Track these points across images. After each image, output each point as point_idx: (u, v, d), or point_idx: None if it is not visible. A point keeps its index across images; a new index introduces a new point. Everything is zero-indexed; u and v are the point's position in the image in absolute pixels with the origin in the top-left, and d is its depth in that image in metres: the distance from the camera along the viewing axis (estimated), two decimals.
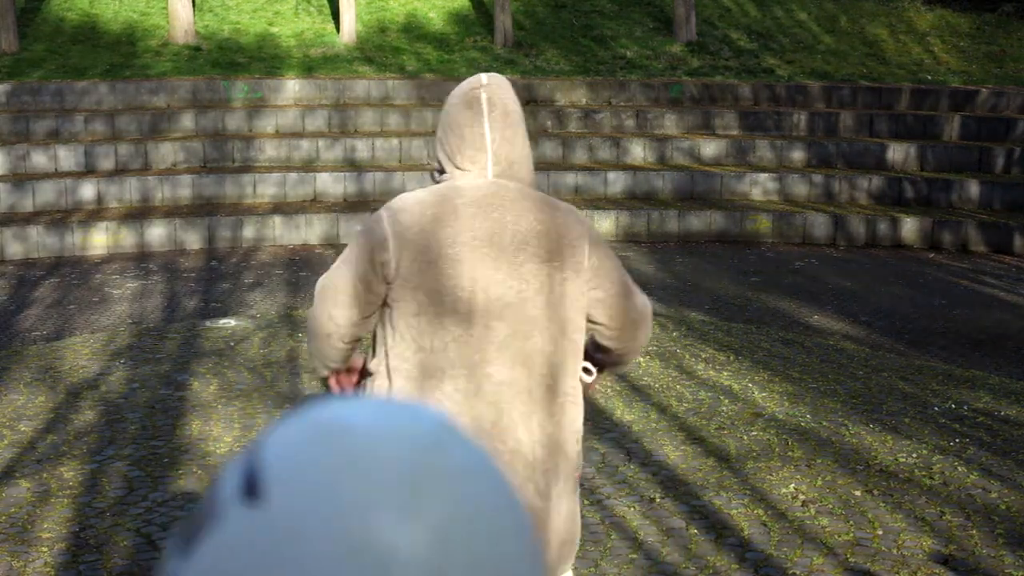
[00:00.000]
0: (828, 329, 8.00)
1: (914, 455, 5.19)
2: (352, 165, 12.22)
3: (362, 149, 12.29)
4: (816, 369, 6.60)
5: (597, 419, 5.60)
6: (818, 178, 12.23)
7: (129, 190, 11.52)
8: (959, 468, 5.04)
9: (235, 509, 0.52)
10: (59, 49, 14.04)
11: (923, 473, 4.98)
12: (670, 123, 13.19)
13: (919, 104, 13.65)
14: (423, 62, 14.43)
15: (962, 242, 11.25)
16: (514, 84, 13.09)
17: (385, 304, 2.42)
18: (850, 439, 5.39)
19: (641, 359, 6.68)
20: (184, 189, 11.63)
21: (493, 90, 2.38)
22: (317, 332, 2.50)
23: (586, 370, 2.52)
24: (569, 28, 15.77)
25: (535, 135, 12.28)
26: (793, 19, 16.35)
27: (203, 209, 11.37)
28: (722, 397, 6.02)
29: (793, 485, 4.82)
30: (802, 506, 4.61)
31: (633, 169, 12.31)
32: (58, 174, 11.67)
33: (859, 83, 14.10)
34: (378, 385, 2.43)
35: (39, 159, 11.75)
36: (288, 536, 0.51)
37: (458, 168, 2.38)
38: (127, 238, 10.70)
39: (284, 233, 11.03)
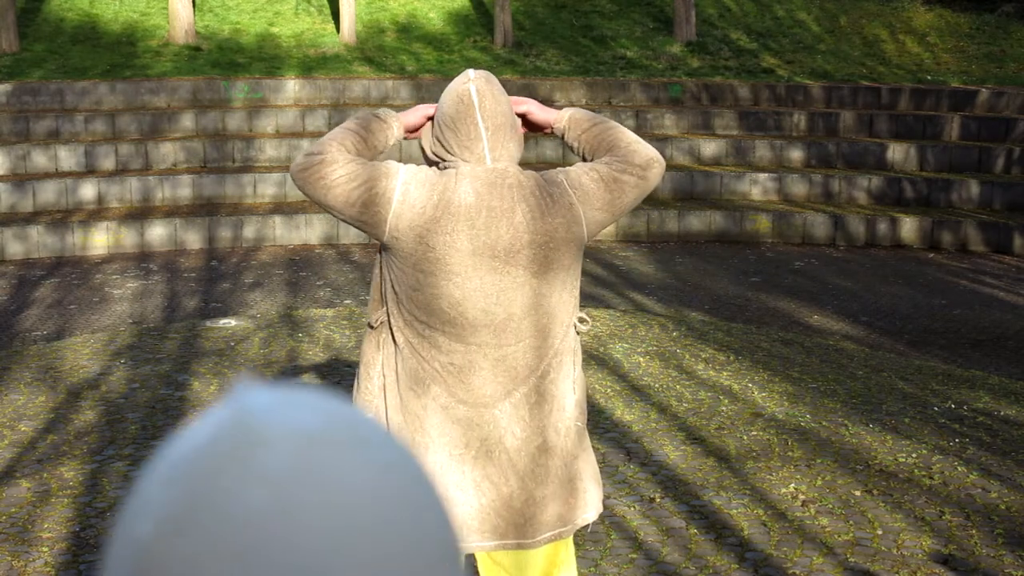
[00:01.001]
0: (828, 329, 8.00)
1: (914, 455, 5.19)
2: None
3: None
4: (816, 369, 6.60)
5: (597, 419, 5.60)
6: (818, 178, 12.23)
7: (129, 190, 11.52)
8: (959, 468, 5.04)
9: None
10: (59, 49, 14.05)
11: (923, 473, 4.98)
12: (670, 123, 13.20)
13: (919, 104, 13.65)
14: (423, 62, 14.43)
15: (962, 242, 11.26)
16: (514, 84, 13.10)
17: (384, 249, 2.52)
18: (850, 439, 5.40)
19: (641, 359, 6.69)
20: (184, 189, 11.63)
21: (481, 83, 2.50)
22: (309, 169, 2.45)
23: (581, 319, 2.60)
24: (569, 28, 15.77)
25: (535, 135, 12.27)
26: (793, 19, 16.35)
27: (203, 209, 11.37)
28: (722, 397, 6.03)
29: (793, 485, 4.83)
30: (802, 506, 4.62)
31: None
32: (58, 174, 11.68)
33: (859, 83, 14.10)
34: (384, 339, 2.55)
35: (39, 159, 11.75)
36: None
37: (461, 160, 2.48)
38: (127, 238, 10.70)
39: (284, 233, 11.03)
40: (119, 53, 14.03)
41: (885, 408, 5.87)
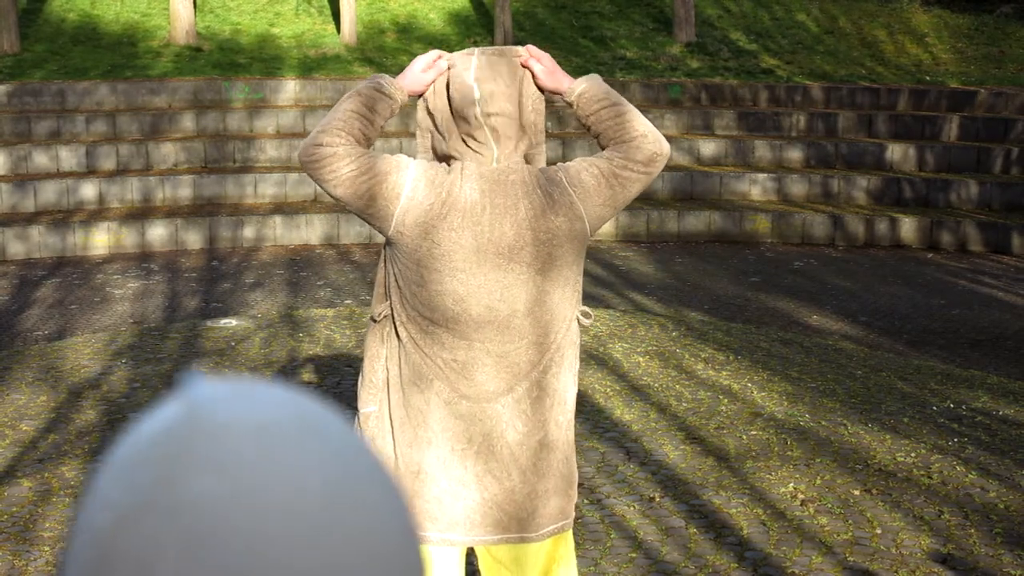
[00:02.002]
0: (827, 329, 8.02)
1: (913, 454, 5.21)
2: None
3: None
4: (815, 369, 6.62)
5: (597, 419, 5.62)
6: (817, 178, 12.25)
7: (130, 190, 11.54)
8: (958, 467, 5.06)
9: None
10: (60, 50, 14.06)
11: (922, 472, 5.00)
12: (669, 123, 13.21)
13: (918, 104, 13.67)
14: None
15: (961, 242, 11.27)
16: None
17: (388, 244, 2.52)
18: (849, 438, 5.41)
19: (640, 359, 6.70)
20: (185, 189, 11.65)
21: (484, 73, 2.49)
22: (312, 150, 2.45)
23: (584, 313, 2.61)
24: (569, 28, 15.79)
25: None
26: (793, 19, 16.37)
27: (204, 209, 11.39)
28: (721, 397, 6.04)
29: (792, 484, 4.84)
30: (801, 505, 4.63)
31: None
32: (59, 174, 11.70)
33: (858, 83, 14.12)
34: (387, 333, 2.56)
35: (40, 159, 11.77)
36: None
37: (464, 153, 2.50)
38: (128, 238, 10.72)
39: (284, 233, 11.05)
40: (120, 54, 14.05)
41: (884, 408, 5.88)
